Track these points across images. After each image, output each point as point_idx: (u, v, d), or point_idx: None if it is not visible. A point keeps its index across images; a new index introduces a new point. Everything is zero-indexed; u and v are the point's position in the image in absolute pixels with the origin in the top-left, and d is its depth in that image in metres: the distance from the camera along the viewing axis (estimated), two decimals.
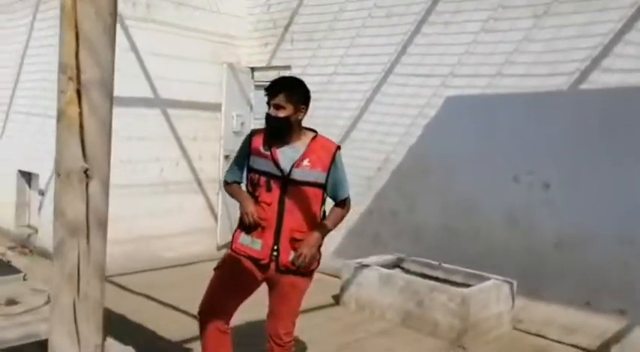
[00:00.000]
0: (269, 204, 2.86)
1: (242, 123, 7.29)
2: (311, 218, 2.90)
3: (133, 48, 6.34)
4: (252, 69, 7.46)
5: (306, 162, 2.87)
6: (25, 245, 7.12)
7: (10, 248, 7.00)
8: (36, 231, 6.98)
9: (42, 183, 6.83)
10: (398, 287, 4.69)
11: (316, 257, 2.95)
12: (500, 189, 5.09)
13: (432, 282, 4.62)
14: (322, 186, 2.92)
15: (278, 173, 2.86)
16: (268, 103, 2.87)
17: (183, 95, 6.73)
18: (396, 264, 5.36)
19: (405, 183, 5.82)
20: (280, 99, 2.82)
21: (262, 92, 7.79)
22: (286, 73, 6.91)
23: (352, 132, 6.26)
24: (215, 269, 3.01)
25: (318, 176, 2.89)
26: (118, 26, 6.08)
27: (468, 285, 4.70)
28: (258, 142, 2.95)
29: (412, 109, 5.72)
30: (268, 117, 2.87)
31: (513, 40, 5.00)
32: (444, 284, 4.55)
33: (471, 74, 5.28)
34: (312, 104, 6.67)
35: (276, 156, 2.88)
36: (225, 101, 7.00)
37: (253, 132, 3.05)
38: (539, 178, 4.87)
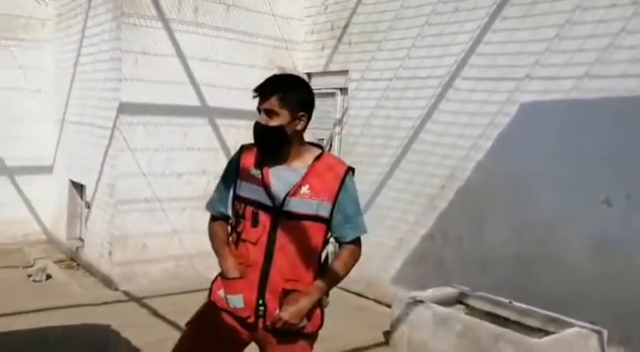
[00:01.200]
0: (254, 244, 2.20)
1: None
2: (309, 262, 2.24)
3: (179, 53, 5.97)
4: (309, 75, 6.90)
5: (305, 190, 2.20)
6: (73, 258, 6.92)
7: (59, 261, 6.83)
8: (83, 244, 6.75)
9: (89, 194, 6.60)
10: (456, 331, 3.91)
11: (312, 314, 2.25)
12: (587, 213, 4.18)
13: (498, 328, 3.79)
14: (326, 221, 2.24)
15: (268, 202, 2.21)
16: (258, 109, 2.22)
17: (232, 103, 6.27)
18: (458, 300, 4.57)
19: (472, 204, 5.02)
20: (272, 102, 2.16)
21: (319, 99, 7.24)
22: (342, 80, 6.32)
23: (413, 145, 5.53)
24: (187, 324, 2.35)
25: (321, 207, 2.21)
26: (163, 31, 5.78)
27: (545, 332, 3.85)
28: (248, 161, 2.29)
29: (481, 118, 4.92)
30: (256, 126, 2.21)
31: (607, 33, 4.11)
32: (513, 332, 3.70)
33: (552, 76, 4.42)
34: (369, 113, 6.09)
35: (267, 179, 2.23)
36: None
37: (243, 148, 2.36)
38: (638, 202, 3.94)
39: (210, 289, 2.33)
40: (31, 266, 6.22)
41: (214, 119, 6.24)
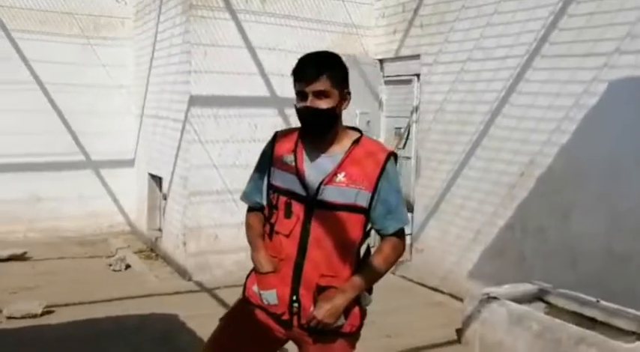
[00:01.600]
0: (287, 236, 2.05)
1: (368, 122, 6.54)
2: (347, 256, 2.06)
3: (247, 44, 5.94)
4: (381, 61, 6.66)
5: (340, 177, 2.03)
6: (152, 248, 7.13)
7: (140, 251, 7.06)
8: (161, 235, 6.93)
9: (165, 186, 6.75)
10: (532, 331, 3.57)
11: (349, 313, 2.07)
12: None
13: (581, 330, 3.42)
14: (365, 211, 2.06)
15: (302, 191, 2.05)
16: (301, 92, 2.02)
17: None
18: (538, 297, 4.20)
19: (555, 193, 4.60)
20: (323, 82, 1.98)
21: (393, 87, 6.95)
22: (418, 66, 6.04)
23: (490, 130, 5.17)
24: (221, 319, 2.25)
25: (359, 196, 2.04)
26: (231, 22, 5.76)
27: (638, 335, 3.44)
28: (283, 148, 2.15)
29: (564, 99, 4.49)
30: (305, 111, 2.02)
31: None
32: (597, 335, 3.33)
33: None
34: (443, 98, 5.79)
35: (301, 166, 2.07)
36: None
37: (277, 135, 2.23)
38: None
39: (245, 285, 2.21)
40: (113, 256, 6.45)
41: (284, 109, 6.16)
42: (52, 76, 7.31)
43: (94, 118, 7.60)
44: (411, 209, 6.31)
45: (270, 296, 2.08)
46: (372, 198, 2.04)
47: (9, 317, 4.47)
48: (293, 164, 2.08)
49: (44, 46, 7.24)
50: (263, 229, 2.20)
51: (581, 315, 3.84)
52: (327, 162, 2.07)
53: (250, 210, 2.29)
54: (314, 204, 2.03)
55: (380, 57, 6.62)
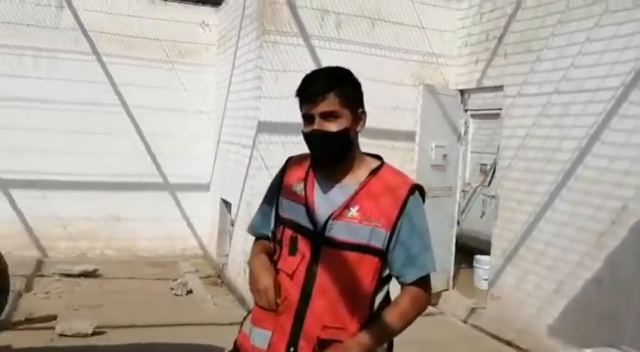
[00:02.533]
0: (290, 276, 1.79)
1: (444, 156, 6.14)
2: (357, 306, 1.76)
3: None
4: (462, 92, 6.28)
5: (353, 212, 1.76)
6: (220, 275, 7.06)
7: (207, 276, 7.01)
8: (228, 261, 6.85)
9: (233, 212, 6.69)
10: None
11: None
12: None
13: None
14: (381, 254, 1.76)
15: (309, 225, 1.79)
16: (307, 116, 1.80)
17: (375, 122, 5.88)
18: None
19: None
20: (331, 101, 1.75)
21: (480, 121, 6.52)
22: (497, 97, 5.61)
23: (577, 170, 4.63)
24: None
25: (374, 235, 1.74)
26: (304, 48, 5.65)
27: None
28: (293, 176, 1.91)
29: None
30: (312, 135, 1.78)
31: None
32: None
33: None
34: (525, 132, 5.35)
35: (311, 197, 1.82)
36: (421, 129, 5.94)
37: (290, 161, 2.01)
38: None
39: (240, 329, 1.95)
40: (177, 280, 6.44)
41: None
42: (136, 99, 7.56)
43: (174, 142, 7.75)
44: (487, 252, 5.83)
45: (260, 337, 1.81)
46: (389, 238, 1.75)
47: (61, 335, 4.49)
48: (302, 193, 1.84)
49: (130, 70, 7.52)
50: (267, 250, 1.94)
51: None
52: (338, 193, 1.81)
53: (256, 240, 2.05)
54: (322, 241, 1.76)
55: (461, 87, 6.24)
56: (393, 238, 1.76)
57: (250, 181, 5.90)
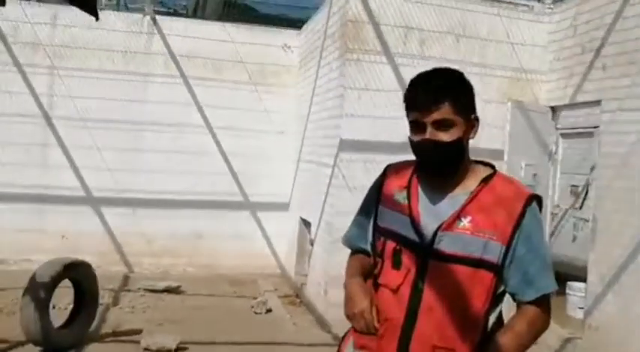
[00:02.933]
0: (394, 291, 1.65)
1: (534, 175, 5.83)
2: (469, 326, 1.60)
3: (404, 88, 5.67)
4: (553, 108, 5.96)
5: (465, 222, 1.61)
6: (298, 294, 7.00)
7: (285, 296, 6.97)
8: (306, 280, 6.78)
9: (313, 232, 6.63)
10: None
11: None
12: None
13: None
14: (496, 269, 1.60)
15: (415, 237, 1.65)
16: (416, 123, 1.65)
17: None
18: None
19: None
20: (446, 109, 1.60)
21: (570, 140, 6.19)
22: (593, 115, 5.28)
23: None
24: None
25: (488, 248, 1.60)
26: (387, 66, 5.58)
27: None
28: (394, 184, 1.78)
29: None
30: (423, 145, 1.64)
31: None
32: None
33: None
34: (626, 150, 5.00)
35: (415, 207, 1.69)
36: (509, 147, 5.67)
37: (388, 169, 1.86)
38: None
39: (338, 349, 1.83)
40: (257, 298, 6.43)
41: None
42: (220, 120, 7.74)
43: (255, 161, 7.86)
44: (580, 278, 5.45)
45: None
46: (505, 252, 1.60)
47: (145, 349, 4.55)
48: (405, 202, 1.70)
49: (216, 92, 7.73)
50: (365, 268, 1.82)
51: None
52: (446, 204, 1.67)
53: (353, 254, 1.95)
54: (429, 254, 1.63)
55: (553, 104, 5.93)
56: (509, 253, 1.61)
57: (331, 200, 5.83)
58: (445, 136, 1.62)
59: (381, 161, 5.86)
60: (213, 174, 7.74)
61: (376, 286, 1.72)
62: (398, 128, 5.61)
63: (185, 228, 7.71)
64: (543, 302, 1.64)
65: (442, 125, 1.62)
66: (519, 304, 1.65)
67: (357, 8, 5.56)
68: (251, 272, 7.85)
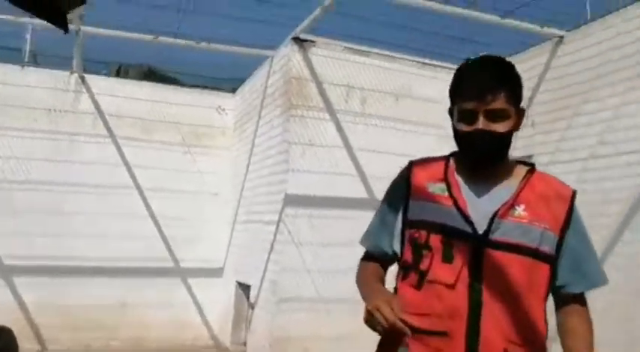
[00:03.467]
0: (451, 286, 1.53)
1: None
2: (537, 320, 1.54)
3: (346, 144, 5.76)
4: None
5: (520, 210, 1.56)
6: None
7: None
8: (245, 349, 6.40)
9: (253, 294, 6.35)
10: None
11: None
12: None
13: None
14: (551, 260, 1.57)
15: (466, 227, 1.56)
16: (468, 112, 1.59)
17: None
18: None
19: None
20: (502, 100, 1.56)
21: None
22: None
23: (623, 236, 4.48)
24: None
25: (545, 238, 1.55)
26: (330, 122, 5.63)
27: None
28: (424, 176, 1.70)
29: None
30: (475, 136, 1.58)
31: None
32: None
33: None
34: None
35: (459, 195, 1.61)
36: None
37: (413, 164, 1.78)
38: None
39: None
40: None
41: None
42: (150, 182, 7.42)
43: (187, 225, 7.52)
44: None
45: None
46: (558, 243, 1.57)
47: None
48: (445, 194, 1.62)
49: (146, 153, 7.45)
50: (382, 278, 1.74)
51: None
52: (495, 190, 1.62)
53: (369, 257, 1.81)
54: (485, 244, 1.53)
55: None
56: (563, 244, 1.57)
57: (275, 257, 5.65)
58: (499, 127, 1.57)
59: (326, 216, 5.85)
60: (142, 238, 7.30)
61: (427, 283, 1.57)
62: (343, 184, 5.68)
63: (109, 297, 7.11)
64: (584, 299, 1.61)
65: (497, 116, 1.57)
66: (565, 298, 1.61)
67: (300, 65, 5.67)
68: (182, 343, 7.32)
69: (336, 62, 5.80)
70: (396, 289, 1.68)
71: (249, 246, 6.66)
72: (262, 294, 5.94)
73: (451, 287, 1.53)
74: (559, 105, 5.27)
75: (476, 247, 1.54)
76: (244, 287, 6.85)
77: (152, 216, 7.44)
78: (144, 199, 7.42)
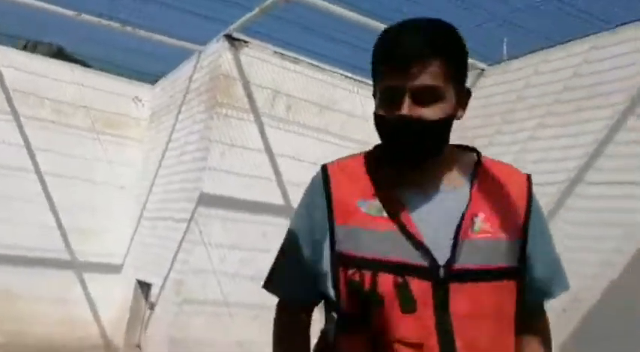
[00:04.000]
0: (418, 348, 1.16)
1: None
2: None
3: (268, 149, 5.70)
4: None
5: (479, 222, 1.22)
6: None
7: None
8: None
9: (154, 294, 6.09)
10: None
11: None
12: None
13: None
14: (516, 274, 1.24)
15: (423, 260, 1.19)
16: (392, 89, 1.20)
17: None
18: None
19: (602, 335, 4.07)
20: (434, 72, 1.17)
21: None
22: None
23: None
24: None
25: (511, 249, 1.24)
26: (254, 125, 5.55)
27: None
28: (350, 190, 1.28)
29: (613, 229, 4.14)
30: (397, 123, 1.19)
31: None
32: None
33: None
34: None
35: (407, 221, 1.22)
36: None
37: (328, 169, 1.34)
38: None
39: None
40: None
41: None
42: (52, 167, 6.94)
43: (88, 217, 7.11)
44: None
45: None
46: (521, 246, 1.24)
47: None
48: (384, 214, 1.22)
49: (51, 136, 6.98)
50: (308, 348, 1.37)
51: None
52: (444, 199, 1.25)
53: (284, 308, 1.45)
54: (450, 277, 1.18)
55: None
56: (528, 246, 1.25)
57: (183, 256, 5.46)
58: (429, 113, 1.18)
59: (240, 219, 5.74)
60: (38, 225, 6.81)
61: (376, 345, 1.19)
62: (260, 188, 5.61)
63: None
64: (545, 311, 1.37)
65: (427, 96, 1.18)
66: (533, 313, 1.32)
67: (229, 64, 5.55)
68: (68, 341, 6.86)
69: (266, 65, 5.74)
70: (327, 339, 1.32)
71: (154, 243, 6.40)
72: (164, 294, 5.72)
73: (418, 348, 1.16)
74: (474, 134, 5.52)
75: (440, 282, 1.18)
76: (144, 286, 6.56)
77: (50, 203, 6.95)
78: (43, 184, 6.93)
